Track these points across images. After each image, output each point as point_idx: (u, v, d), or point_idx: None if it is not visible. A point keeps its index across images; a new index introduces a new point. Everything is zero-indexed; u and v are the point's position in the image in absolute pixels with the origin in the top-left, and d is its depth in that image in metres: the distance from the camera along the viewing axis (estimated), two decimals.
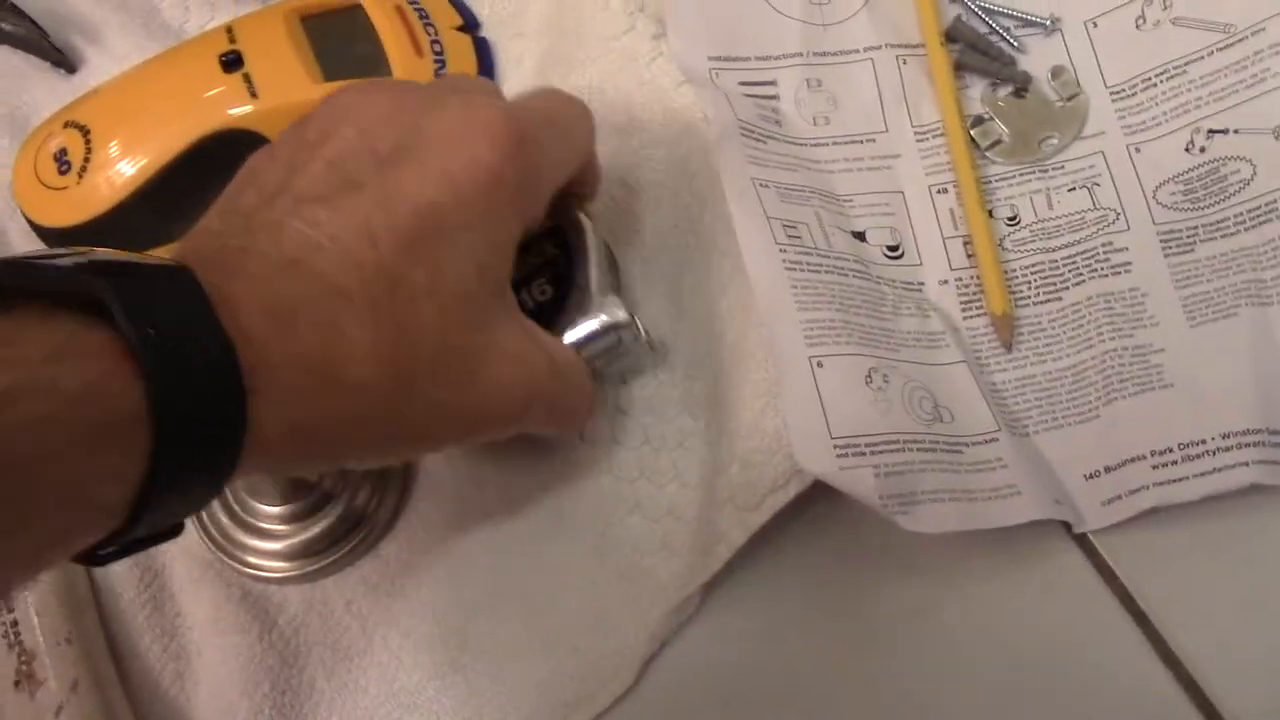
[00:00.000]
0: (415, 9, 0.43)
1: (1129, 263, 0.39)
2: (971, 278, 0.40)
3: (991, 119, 0.42)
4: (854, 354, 0.36)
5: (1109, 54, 0.42)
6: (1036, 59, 0.43)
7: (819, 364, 0.36)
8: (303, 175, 0.27)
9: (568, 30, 0.44)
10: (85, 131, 0.40)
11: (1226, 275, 0.38)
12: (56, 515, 0.21)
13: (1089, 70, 0.42)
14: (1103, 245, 0.40)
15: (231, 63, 0.40)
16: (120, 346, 0.21)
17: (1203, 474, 0.36)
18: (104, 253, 0.23)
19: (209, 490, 0.23)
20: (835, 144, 0.42)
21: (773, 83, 0.42)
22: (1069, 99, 0.42)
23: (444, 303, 0.26)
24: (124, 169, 0.39)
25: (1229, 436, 0.36)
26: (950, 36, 0.43)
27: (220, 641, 0.37)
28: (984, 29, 0.43)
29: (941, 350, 0.39)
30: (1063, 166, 0.41)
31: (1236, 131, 0.40)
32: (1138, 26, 0.42)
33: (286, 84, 0.40)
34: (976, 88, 0.43)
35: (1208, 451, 0.36)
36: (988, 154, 0.42)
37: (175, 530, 0.24)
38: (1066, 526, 0.37)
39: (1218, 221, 0.39)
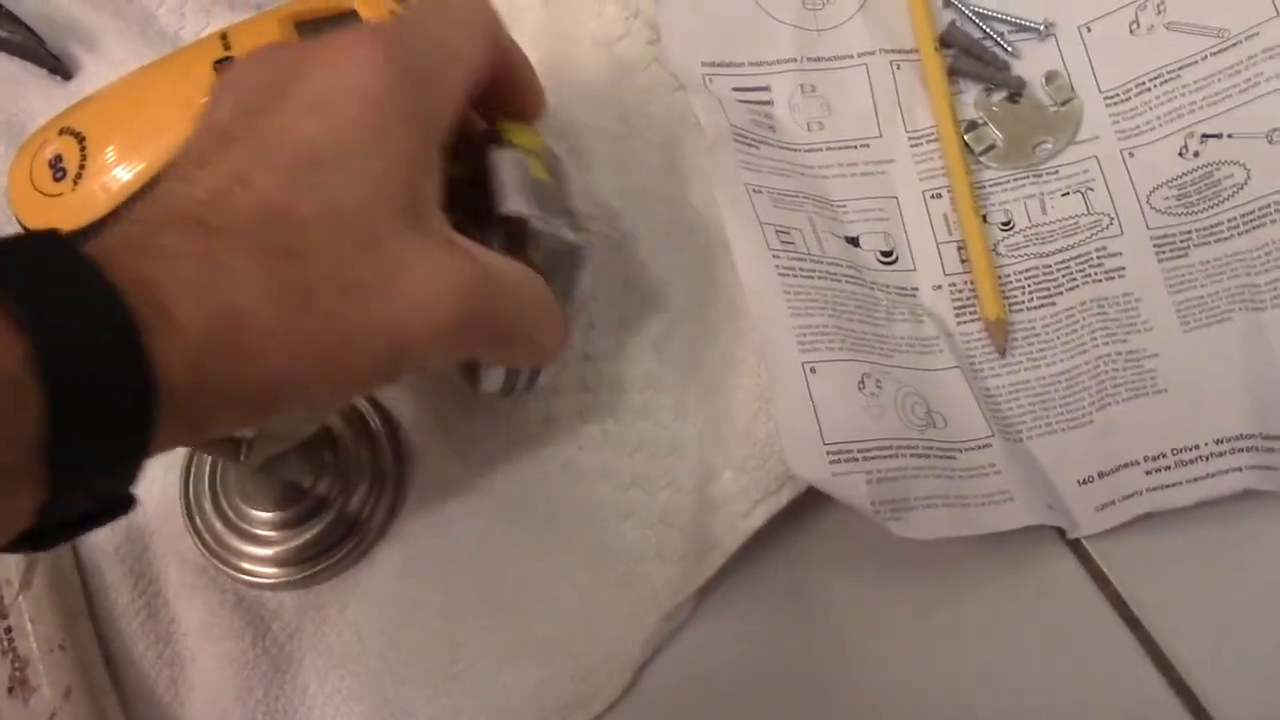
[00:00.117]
0: None
1: (1123, 268, 0.39)
2: (965, 283, 0.40)
3: (985, 124, 0.42)
4: (847, 360, 0.36)
5: (1103, 59, 0.42)
6: (1030, 64, 0.43)
7: (812, 370, 0.36)
8: (190, 148, 0.28)
9: (563, 36, 0.44)
10: (80, 138, 0.40)
11: (1220, 280, 0.38)
12: None
13: (1083, 75, 0.42)
14: (1096, 250, 0.40)
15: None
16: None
17: (1196, 479, 0.36)
18: None
19: (134, 446, 0.23)
20: (829, 149, 0.42)
21: (766, 88, 0.42)
22: (1063, 104, 0.42)
23: (337, 223, 0.26)
24: (119, 175, 0.39)
25: (1222, 442, 0.36)
26: (944, 42, 0.43)
27: (214, 648, 0.37)
28: (978, 34, 0.43)
29: (935, 356, 0.39)
30: (1056, 171, 0.41)
31: (1230, 136, 0.40)
32: (1131, 31, 0.42)
33: None
34: (970, 93, 0.43)
35: (1201, 457, 0.37)
36: (982, 159, 0.42)
37: (124, 503, 0.24)
38: (1060, 532, 0.37)
39: (1211, 226, 0.39)
